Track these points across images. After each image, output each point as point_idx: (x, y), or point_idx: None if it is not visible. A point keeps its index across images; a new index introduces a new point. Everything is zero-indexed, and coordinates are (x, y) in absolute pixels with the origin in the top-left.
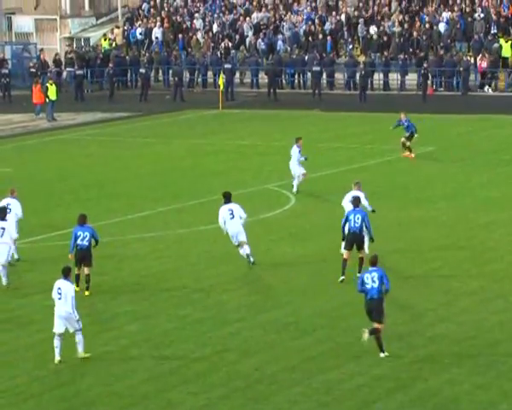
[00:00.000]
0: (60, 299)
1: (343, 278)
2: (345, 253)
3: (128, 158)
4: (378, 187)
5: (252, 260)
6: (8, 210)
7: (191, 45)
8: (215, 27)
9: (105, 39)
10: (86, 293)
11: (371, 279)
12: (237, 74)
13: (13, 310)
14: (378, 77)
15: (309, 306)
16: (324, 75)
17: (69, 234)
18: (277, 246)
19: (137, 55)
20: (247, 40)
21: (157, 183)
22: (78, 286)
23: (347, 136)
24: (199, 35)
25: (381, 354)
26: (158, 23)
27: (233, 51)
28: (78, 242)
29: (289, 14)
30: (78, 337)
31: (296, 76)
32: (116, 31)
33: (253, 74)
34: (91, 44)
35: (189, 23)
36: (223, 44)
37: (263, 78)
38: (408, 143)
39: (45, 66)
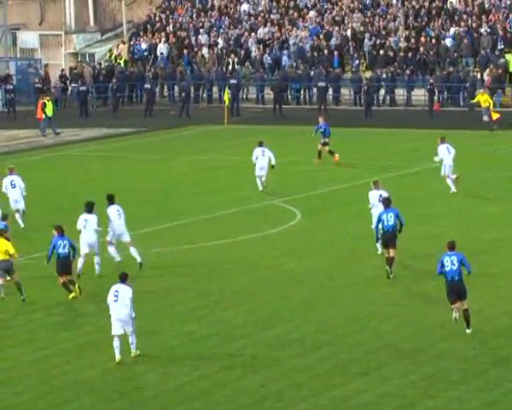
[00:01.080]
0: (116, 301)
1: (391, 275)
2: (385, 252)
3: (129, 174)
4: None
5: (139, 260)
6: (12, 185)
7: (196, 61)
8: (220, 42)
9: (111, 55)
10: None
11: (451, 262)
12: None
13: (16, 326)
14: (384, 92)
15: (313, 322)
16: (330, 91)
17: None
18: (281, 262)
19: (142, 70)
20: (253, 55)
21: (158, 199)
22: (71, 292)
23: (352, 151)
24: (204, 50)
25: (468, 331)
26: (163, 38)
27: (238, 67)
28: (60, 251)
29: (295, 29)
30: (132, 339)
31: (302, 91)
32: (121, 46)
33: (258, 90)
34: (96, 60)
35: (194, 38)
36: (228, 60)
37: (268, 93)
38: (327, 148)
39: (47, 81)
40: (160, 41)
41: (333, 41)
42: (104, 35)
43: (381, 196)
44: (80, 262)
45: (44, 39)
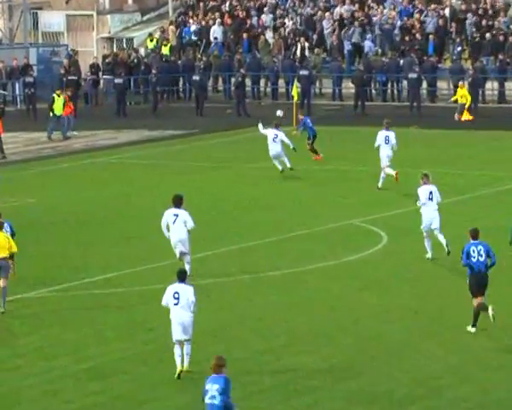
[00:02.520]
0: (176, 304)
1: (473, 329)
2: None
3: (177, 186)
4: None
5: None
6: None
7: (258, 47)
8: (288, 24)
9: (151, 40)
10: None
11: (477, 253)
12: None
13: (35, 374)
14: (491, 86)
15: (402, 370)
16: (424, 84)
17: (93, 283)
18: (363, 296)
19: (192, 59)
20: (328, 40)
21: (213, 217)
22: None
23: (453, 159)
24: (268, 34)
25: (472, 329)
26: (217, 20)
27: (310, 54)
28: None
29: (381, 7)
30: (188, 349)
31: (389, 85)
32: (171, 28)
33: (334, 83)
34: (135, 46)
35: (255, 19)
36: (298, 46)
37: (347, 87)
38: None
39: (74, 72)
40: (214, 23)
41: (428, 22)
42: (145, 15)
43: (431, 192)
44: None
45: (72, 21)
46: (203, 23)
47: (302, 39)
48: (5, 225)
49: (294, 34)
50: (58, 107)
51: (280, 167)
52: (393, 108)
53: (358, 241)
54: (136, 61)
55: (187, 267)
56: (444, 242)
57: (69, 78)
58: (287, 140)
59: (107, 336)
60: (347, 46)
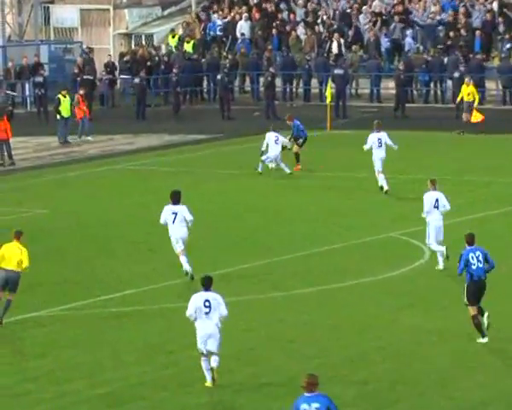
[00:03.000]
0: (208, 313)
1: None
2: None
3: (201, 195)
4: None
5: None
6: None
7: (289, 44)
8: (322, 19)
9: (173, 36)
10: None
11: (476, 259)
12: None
13: (47, 400)
14: None
15: (447, 397)
16: None
17: (109, 301)
18: (402, 315)
19: (217, 56)
20: (365, 37)
21: (240, 229)
22: None
23: (505, 167)
24: (299, 30)
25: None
26: (244, 14)
27: (345, 51)
28: None
29: (423, 1)
30: (215, 361)
31: (432, 85)
32: (192, 23)
33: (372, 83)
34: (155, 42)
35: (286, 14)
36: (332, 42)
37: (386, 87)
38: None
39: (91, 71)
40: (241, 17)
41: (474, 17)
42: (166, 10)
43: (437, 200)
44: (184, 260)
45: (87, 16)
46: (229, 18)
47: (337, 35)
48: None
49: (328, 30)
50: (65, 108)
51: (260, 170)
52: (436, 110)
53: (398, 255)
54: (156, 59)
55: (188, 267)
56: (442, 250)
57: (83, 77)
58: (287, 142)
59: (125, 358)
60: (385, 43)
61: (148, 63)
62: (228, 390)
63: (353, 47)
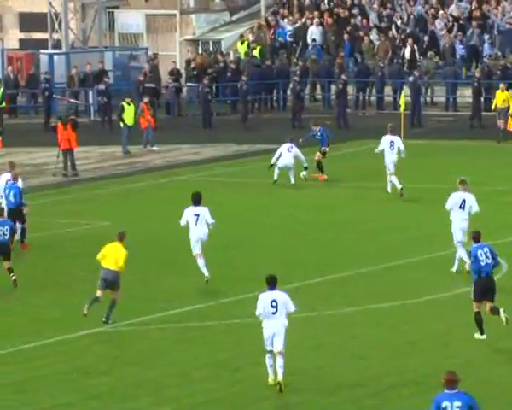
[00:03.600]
0: (275, 313)
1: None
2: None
3: (269, 207)
4: None
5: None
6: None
7: (362, 50)
8: (396, 24)
9: (242, 42)
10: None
11: (485, 255)
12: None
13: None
14: None
15: None
16: None
17: (176, 316)
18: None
19: (287, 63)
20: (441, 42)
21: (307, 241)
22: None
23: None
24: (373, 35)
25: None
26: (316, 19)
27: (421, 58)
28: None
29: (502, 4)
30: (281, 361)
31: None
32: (258, 30)
33: (448, 90)
34: (223, 49)
35: (359, 19)
36: (407, 49)
37: (462, 95)
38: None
39: (155, 78)
40: (312, 23)
41: None
42: (234, 15)
43: (463, 200)
44: (202, 264)
45: (152, 21)
46: (299, 23)
47: (411, 41)
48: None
49: (403, 36)
50: (129, 116)
51: (275, 178)
52: None
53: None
54: (222, 65)
55: (206, 272)
56: (465, 256)
57: (146, 85)
58: (301, 156)
59: (191, 375)
60: (460, 50)
61: (209, 70)
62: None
63: (429, 53)
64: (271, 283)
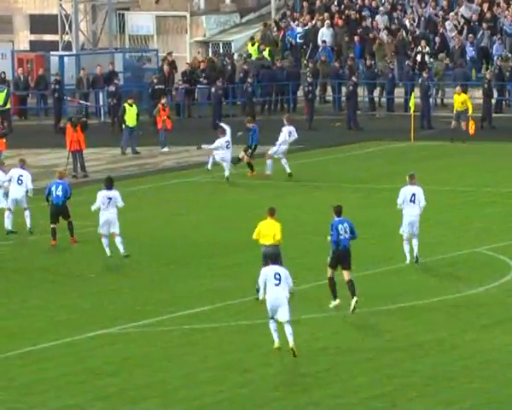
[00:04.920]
0: (278, 285)
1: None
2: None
3: (281, 208)
4: None
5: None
6: (19, 181)
7: (374, 51)
8: (406, 26)
9: (252, 44)
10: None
11: (344, 230)
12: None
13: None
14: None
15: None
16: None
17: (184, 317)
18: (492, 335)
19: (297, 65)
20: (451, 44)
21: (322, 244)
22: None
23: None
24: (383, 37)
25: (353, 299)
26: (326, 21)
27: (431, 60)
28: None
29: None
30: (289, 329)
31: None
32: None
33: None
34: (233, 50)
35: (369, 21)
36: (417, 50)
37: (473, 97)
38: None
39: (166, 80)
40: (323, 24)
41: None
42: (245, 17)
43: (413, 194)
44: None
45: (163, 23)
46: (309, 25)
47: (423, 43)
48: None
49: (413, 37)
50: (130, 117)
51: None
52: None
53: (484, 272)
54: (229, 67)
55: (120, 247)
56: (415, 249)
57: (155, 87)
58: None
59: (199, 377)
60: (470, 52)
61: (212, 73)
62: None
63: (439, 55)
64: (274, 259)
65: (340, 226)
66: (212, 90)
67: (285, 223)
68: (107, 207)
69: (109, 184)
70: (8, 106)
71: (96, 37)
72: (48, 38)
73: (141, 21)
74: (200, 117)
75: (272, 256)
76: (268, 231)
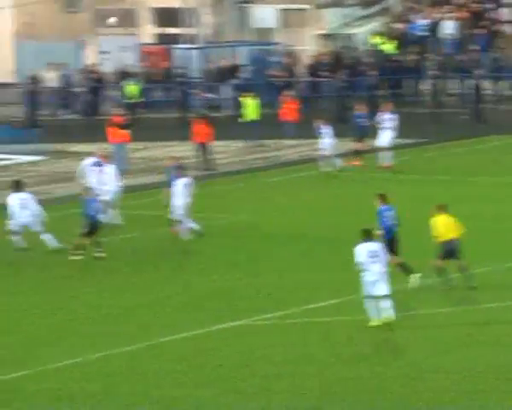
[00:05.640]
0: (374, 262)
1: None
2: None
3: (404, 203)
4: None
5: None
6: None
7: (498, 44)
8: None
9: (375, 37)
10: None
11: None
12: None
13: None
14: None
15: None
16: None
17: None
18: None
19: (420, 58)
20: None
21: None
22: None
23: None
24: (508, 29)
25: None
26: (450, 13)
27: None
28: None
29: None
30: (388, 303)
31: None
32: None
33: None
34: (355, 43)
35: (494, 13)
36: None
37: None
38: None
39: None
40: (447, 16)
41: None
42: (367, 9)
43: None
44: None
45: (286, 16)
46: (432, 17)
47: None
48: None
49: None
50: (250, 111)
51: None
52: None
53: None
54: (353, 60)
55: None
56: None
57: (278, 80)
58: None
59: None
60: None
61: (350, 65)
62: None
63: None
64: (367, 236)
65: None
66: (335, 83)
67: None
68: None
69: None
70: (141, 99)
71: (219, 30)
72: (172, 31)
73: (264, 14)
74: (323, 110)
75: (453, 252)
76: (447, 227)
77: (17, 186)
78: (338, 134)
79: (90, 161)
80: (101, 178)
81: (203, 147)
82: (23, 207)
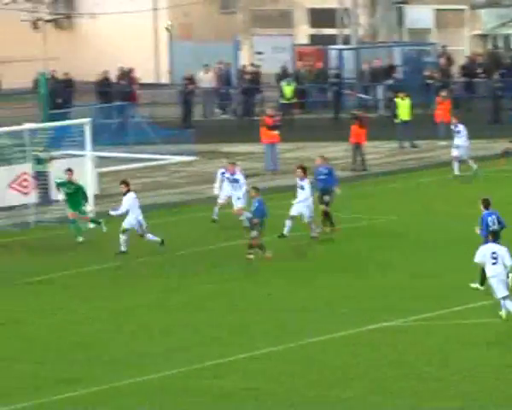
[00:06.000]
0: (495, 263)
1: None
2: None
3: None
4: None
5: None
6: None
7: None
8: None
9: None
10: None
11: (493, 222)
12: None
13: None
14: None
15: None
16: None
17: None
18: None
19: None
20: None
21: None
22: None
23: None
24: None
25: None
26: None
27: None
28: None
29: None
30: (509, 304)
31: None
32: None
33: None
34: (511, 44)
35: None
36: None
37: None
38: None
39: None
40: None
41: None
42: None
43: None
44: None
45: (441, 17)
46: None
47: None
48: None
49: None
50: (403, 111)
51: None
52: None
53: None
54: (509, 61)
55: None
56: None
57: (431, 81)
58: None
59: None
60: None
61: (491, 66)
62: None
63: None
64: (495, 237)
65: (489, 219)
66: (491, 83)
67: None
68: None
69: None
70: (295, 99)
71: (374, 30)
72: (327, 31)
73: (419, 15)
74: (481, 111)
75: None
76: None
77: None
78: (493, 135)
79: (222, 170)
80: (234, 187)
81: (356, 147)
82: None
